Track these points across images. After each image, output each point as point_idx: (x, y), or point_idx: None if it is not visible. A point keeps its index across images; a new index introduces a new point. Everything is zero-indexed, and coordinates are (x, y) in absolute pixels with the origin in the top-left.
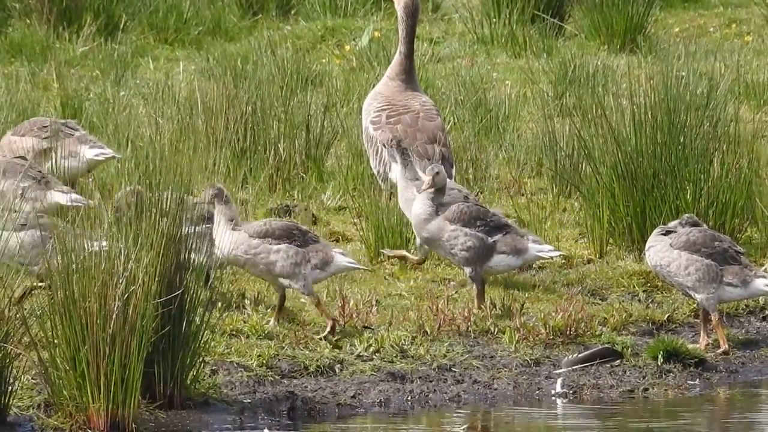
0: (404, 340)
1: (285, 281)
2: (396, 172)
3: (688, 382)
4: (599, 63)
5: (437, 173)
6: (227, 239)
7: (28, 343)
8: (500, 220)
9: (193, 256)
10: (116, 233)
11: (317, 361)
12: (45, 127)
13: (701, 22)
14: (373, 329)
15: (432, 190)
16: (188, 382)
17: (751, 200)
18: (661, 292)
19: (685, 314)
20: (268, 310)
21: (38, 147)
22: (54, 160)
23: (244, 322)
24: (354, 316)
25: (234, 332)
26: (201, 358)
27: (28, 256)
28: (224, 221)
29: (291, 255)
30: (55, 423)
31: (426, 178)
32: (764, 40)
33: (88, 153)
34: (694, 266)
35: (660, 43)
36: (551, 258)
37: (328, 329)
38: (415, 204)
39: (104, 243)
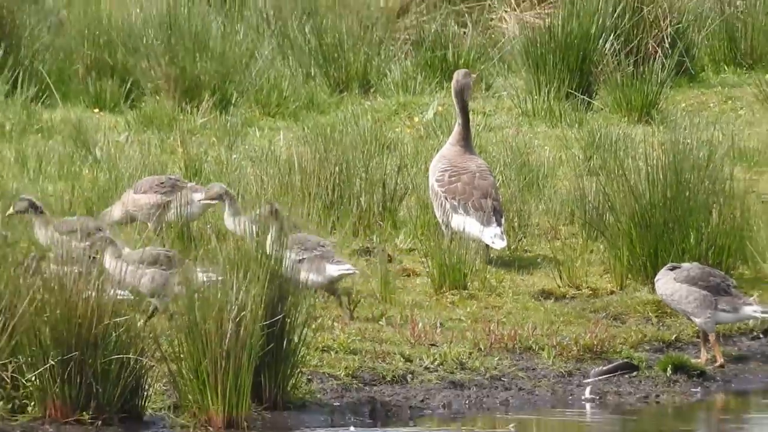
0: (463, 355)
1: None
2: (456, 221)
3: (692, 389)
4: (620, 132)
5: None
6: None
7: (160, 357)
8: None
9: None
10: (230, 269)
11: (393, 372)
12: (162, 183)
13: (703, 98)
14: (437, 346)
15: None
16: (288, 388)
17: (742, 244)
18: (670, 317)
19: (689, 335)
20: (353, 331)
21: (158, 201)
22: (175, 209)
23: (333, 341)
24: (422, 336)
25: (325, 348)
26: (299, 369)
27: (159, 288)
28: (276, 236)
29: None
30: (182, 422)
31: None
32: (755, 114)
33: (196, 196)
34: (693, 296)
35: (670, 115)
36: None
37: None
38: None
39: (220, 277)
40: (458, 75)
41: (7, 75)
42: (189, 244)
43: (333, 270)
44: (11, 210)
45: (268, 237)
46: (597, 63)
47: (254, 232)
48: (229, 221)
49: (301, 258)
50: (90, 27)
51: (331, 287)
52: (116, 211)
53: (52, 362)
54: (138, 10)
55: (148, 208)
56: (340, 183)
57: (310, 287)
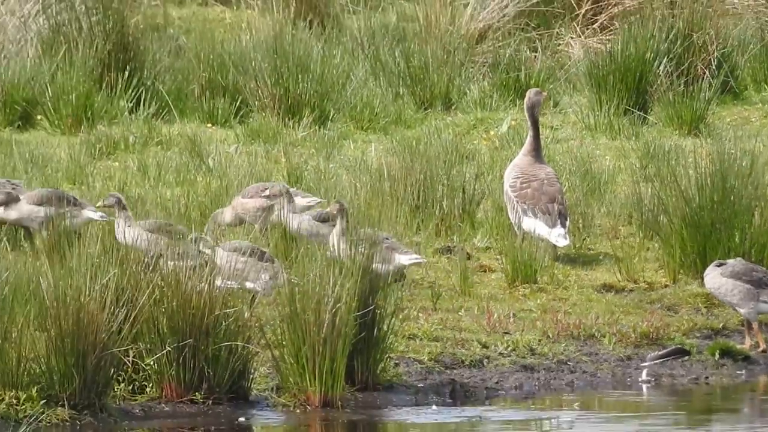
0: (533, 342)
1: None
2: (527, 223)
3: (737, 372)
4: (672, 144)
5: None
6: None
7: (264, 344)
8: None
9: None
10: (327, 266)
11: (471, 357)
12: (265, 189)
13: (746, 114)
14: (510, 334)
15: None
16: (378, 371)
17: None
18: (717, 308)
19: (734, 324)
20: (436, 320)
21: (264, 205)
22: (279, 212)
23: (418, 329)
24: (497, 325)
25: (411, 336)
26: (387, 355)
27: (266, 283)
28: (340, 230)
29: None
30: (283, 401)
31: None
32: None
33: (302, 201)
34: (738, 289)
35: (716, 129)
36: None
37: None
38: None
39: (318, 274)
40: (530, 93)
41: (132, 94)
42: (290, 243)
43: (404, 259)
44: (100, 203)
45: (334, 232)
46: (652, 83)
47: (313, 229)
48: (291, 221)
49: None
50: (205, 51)
51: (400, 275)
52: (227, 214)
53: (169, 348)
54: (248, 36)
55: (255, 211)
56: (425, 189)
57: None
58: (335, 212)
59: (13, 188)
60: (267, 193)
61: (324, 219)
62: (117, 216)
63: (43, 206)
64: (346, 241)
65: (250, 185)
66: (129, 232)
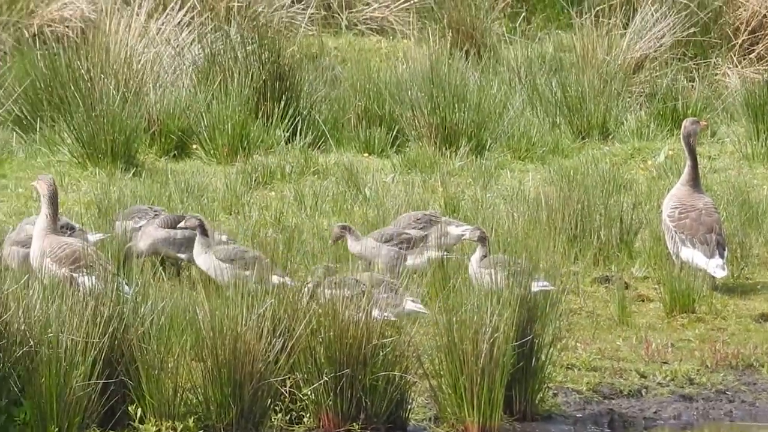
0: (691, 371)
1: None
2: (685, 253)
3: None
4: None
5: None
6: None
7: (422, 374)
8: None
9: (539, 311)
10: (483, 298)
11: (629, 386)
12: (418, 219)
13: None
14: (669, 364)
15: None
16: (536, 401)
17: None
18: None
19: None
20: (594, 350)
21: (418, 235)
22: (433, 241)
23: (576, 359)
24: (655, 354)
25: (569, 366)
26: (545, 385)
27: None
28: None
29: None
30: (442, 431)
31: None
32: None
33: (455, 231)
34: None
35: None
36: None
37: None
38: None
39: (476, 303)
40: (686, 122)
41: (288, 123)
42: (445, 272)
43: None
44: (182, 224)
45: (473, 258)
46: None
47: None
48: (355, 246)
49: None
50: (361, 81)
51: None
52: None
53: (326, 378)
54: (404, 66)
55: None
56: (582, 218)
57: None
58: (475, 239)
59: (156, 215)
60: (458, 230)
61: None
62: (197, 241)
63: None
64: (484, 267)
65: (402, 214)
66: (203, 259)
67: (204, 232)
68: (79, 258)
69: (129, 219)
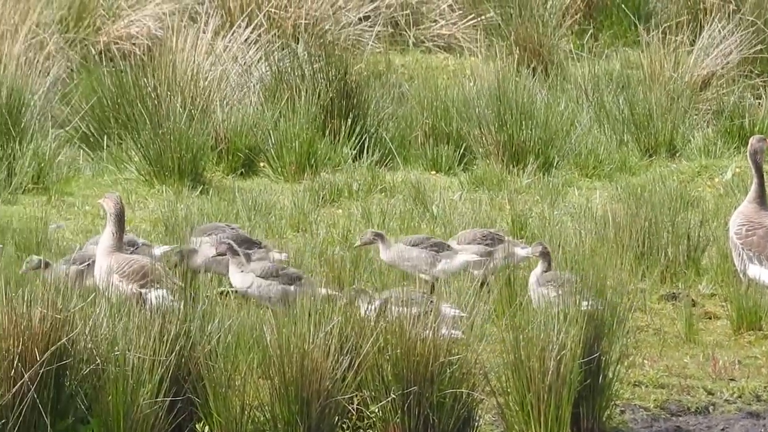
0: (759, 388)
1: None
2: (752, 270)
3: None
4: None
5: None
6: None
7: (489, 392)
8: None
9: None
10: (550, 315)
11: (696, 404)
12: (484, 236)
13: None
14: (736, 381)
15: None
16: (603, 418)
17: None
18: None
19: None
20: (661, 367)
21: (484, 252)
22: (498, 260)
23: (644, 376)
24: (723, 371)
25: (636, 383)
26: (613, 402)
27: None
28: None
29: None
30: None
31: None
32: None
33: (521, 252)
34: None
35: None
36: None
37: None
38: None
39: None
40: (753, 140)
41: (355, 141)
42: (512, 290)
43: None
44: (215, 252)
45: (533, 273)
46: None
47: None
48: (384, 254)
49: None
50: (428, 98)
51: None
52: None
53: (393, 395)
54: (471, 83)
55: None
56: (650, 236)
57: None
58: (537, 255)
59: (233, 231)
60: (523, 250)
61: (415, 243)
62: (230, 262)
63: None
64: (540, 285)
65: (465, 230)
66: (240, 278)
67: (235, 253)
68: (146, 273)
69: (203, 236)
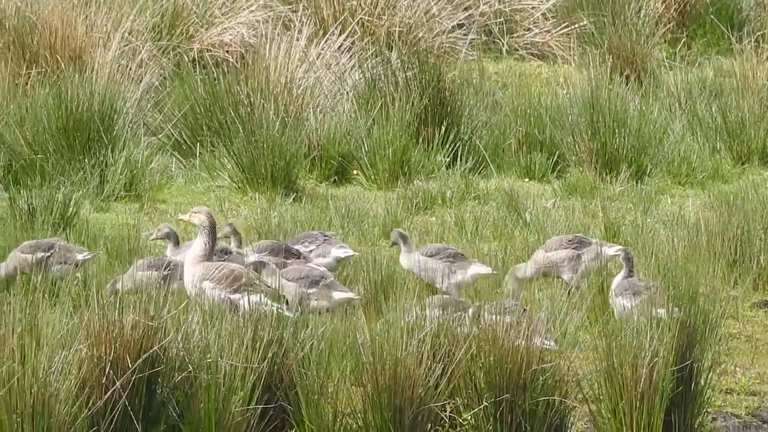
0: None
1: None
2: None
3: None
4: None
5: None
6: None
7: (581, 399)
8: None
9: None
10: (643, 323)
11: None
12: (571, 240)
13: None
14: None
15: None
16: (695, 426)
17: None
18: None
19: None
20: (753, 375)
21: (570, 255)
22: (585, 262)
23: (735, 383)
24: None
25: (728, 390)
26: (704, 409)
27: None
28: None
29: None
30: None
31: None
32: None
33: (609, 251)
34: None
35: None
36: None
37: None
38: None
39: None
40: None
41: (449, 149)
42: (605, 297)
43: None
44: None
45: (615, 279)
46: None
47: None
48: (403, 259)
49: None
50: (522, 106)
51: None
52: (529, 269)
53: (486, 403)
54: (564, 91)
55: (560, 263)
56: (742, 243)
57: None
58: (620, 259)
59: (326, 239)
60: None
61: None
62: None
63: None
64: (618, 293)
65: (551, 238)
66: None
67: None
68: (238, 278)
69: (298, 244)
